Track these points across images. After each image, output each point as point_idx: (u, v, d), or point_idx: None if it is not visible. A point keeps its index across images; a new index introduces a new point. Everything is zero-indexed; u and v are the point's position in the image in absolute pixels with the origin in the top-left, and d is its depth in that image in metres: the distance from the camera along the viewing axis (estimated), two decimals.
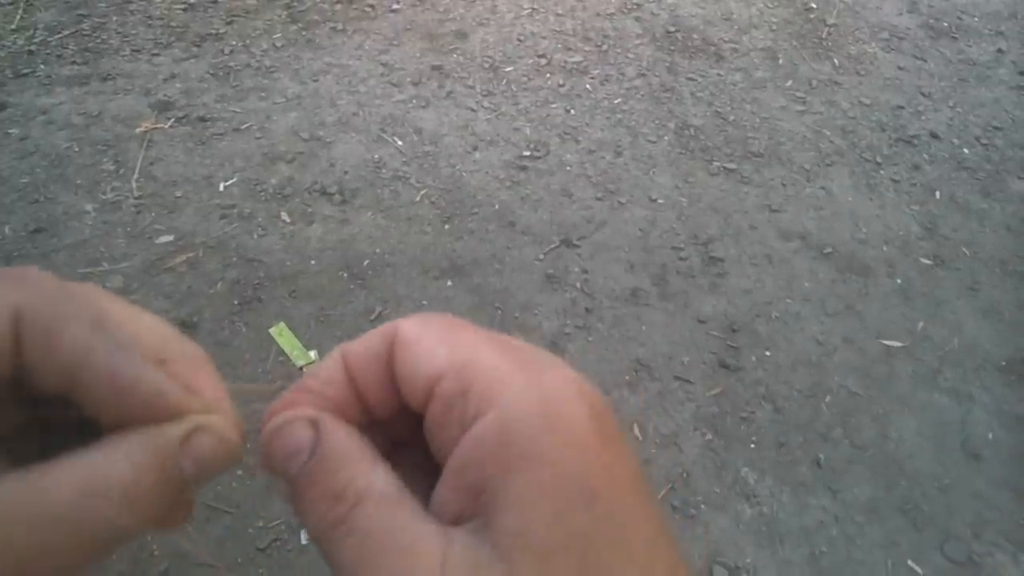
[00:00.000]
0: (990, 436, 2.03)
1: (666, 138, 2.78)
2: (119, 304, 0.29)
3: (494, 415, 0.25)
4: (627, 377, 2.03)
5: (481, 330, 0.29)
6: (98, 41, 2.85)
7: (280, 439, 0.27)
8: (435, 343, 0.28)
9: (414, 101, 2.77)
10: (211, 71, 2.79)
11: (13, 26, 2.86)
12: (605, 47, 3.15)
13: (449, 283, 2.20)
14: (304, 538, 1.65)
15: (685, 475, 1.86)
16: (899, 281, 2.40)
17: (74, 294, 0.28)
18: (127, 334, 0.27)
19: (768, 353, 2.14)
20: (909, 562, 1.76)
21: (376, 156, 2.55)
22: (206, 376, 0.29)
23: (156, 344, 0.29)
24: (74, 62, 2.75)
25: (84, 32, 2.89)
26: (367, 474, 0.26)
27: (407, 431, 0.31)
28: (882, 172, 2.78)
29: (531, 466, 0.24)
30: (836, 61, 3.27)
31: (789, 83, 3.12)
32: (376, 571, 0.24)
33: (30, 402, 0.28)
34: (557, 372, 0.27)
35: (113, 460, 0.25)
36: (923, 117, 3.05)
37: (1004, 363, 2.21)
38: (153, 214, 2.28)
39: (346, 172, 2.48)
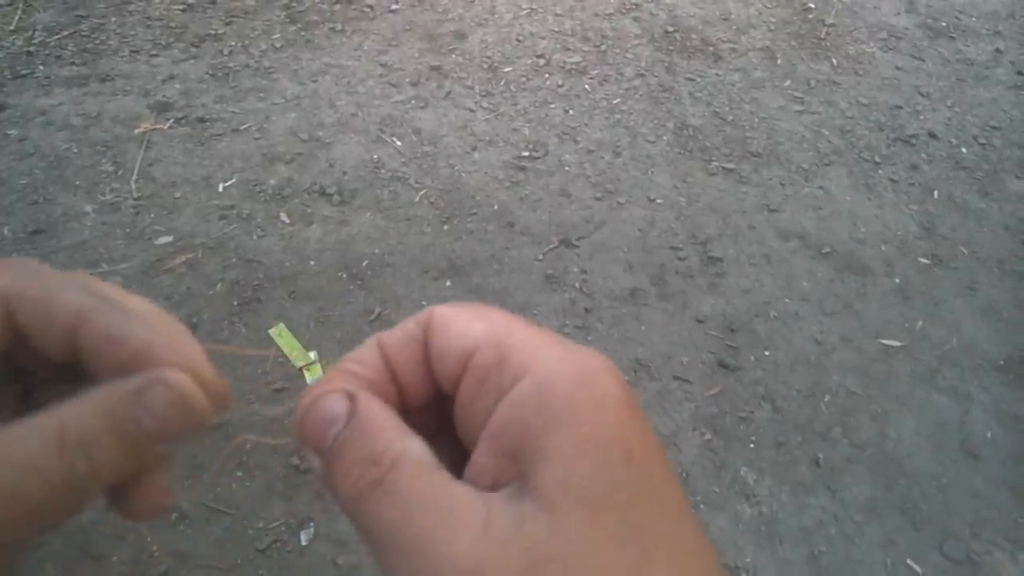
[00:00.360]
0: (989, 435, 2.04)
1: (665, 138, 2.78)
2: (102, 282, 0.31)
3: (532, 378, 0.26)
4: (626, 377, 2.03)
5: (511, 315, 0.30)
6: (97, 42, 2.85)
7: (315, 411, 0.27)
8: (470, 320, 0.29)
9: (413, 101, 2.78)
10: (210, 72, 2.79)
11: (12, 27, 2.86)
12: (604, 47, 3.16)
13: (448, 283, 2.20)
14: (304, 539, 1.65)
15: (684, 475, 1.86)
16: (897, 280, 2.41)
17: (59, 273, 0.29)
18: (116, 296, 0.29)
19: (767, 353, 2.15)
20: (908, 561, 1.76)
21: (375, 156, 2.55)
22: (186, 338, 0.30)
23: (142, 310, 0.30)
24: (73, 63, 2.75)
25: (83, 33, 2.89)
26: (404, 441, 0.26)
27: (436, 423, 0.31)
28: (880, 172, 2.79)
29: (571, 423, 0.25)
30: (834, 61, 3.27)
31: (787, 83, 3.12)
32: (418, 530, 0.24)
33: (24, 381, 0.29)
34: (587, 349, 0.28)
35: (75, 412, 0.26)
36: (921, 117, 3.06)
37: (1002, 362, 2.22)
38: (152, 215, 2.28)
39: (345, 173, 2.48)
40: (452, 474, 0.27)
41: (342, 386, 0.28)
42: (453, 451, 0.30)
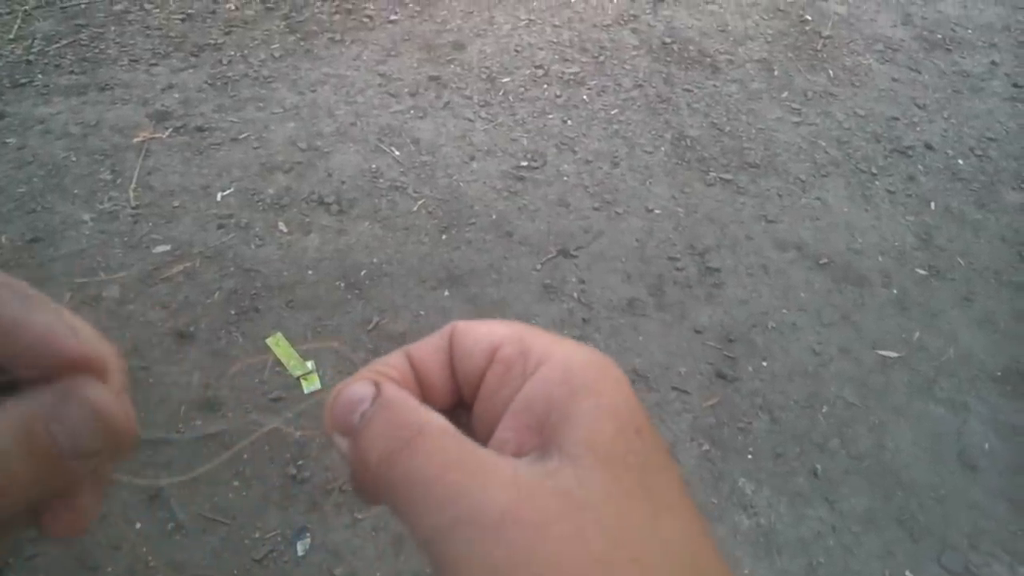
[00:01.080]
0: (986, 446, 2.04)
1: (663, 149, 2.79)
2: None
3: (556, 359, 0.29)
4: None
5: None
6: (96, 51, 2.86)
7: (342, 396, 0.29)
8: (492, 325, 0.32)
9: (412, 111, 2.78)
10: (209, 81, 2.80)
11: (11, 36, 2.86)
12: (602, 58, 3.17)
13: (446, 293, 2.20)
14: (300, 549, 1.64)
15: None
16: (895, 291, 2.41)
17: None
18: (34, 294, 0.27)
19: (765, 363, 2.15)
20: (906, 573, 1.76)
21: (374, 166, 2.55)
22: (97, 342, 0.29)
23: (66, 317, 0.29)
24: (72, 72, 2.75)
25: (82, 42, 2.90)
26: (427, 413, 0.28)
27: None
28: (877, 183, 2.80)
29: (593, 394, 0.28)
30: (831, 72, 3.29)
31: (785, 94, 3.13)
32: (452, 482, 0.25)
33: None
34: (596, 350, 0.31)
35: None
36: (918, 128, 3.07)
37: (1000, 373, 2.22)
38: (150, 224, 2.28)
39: (343, 182, 2.49)
40: None
41: (367, 375, 0.30)
42: None
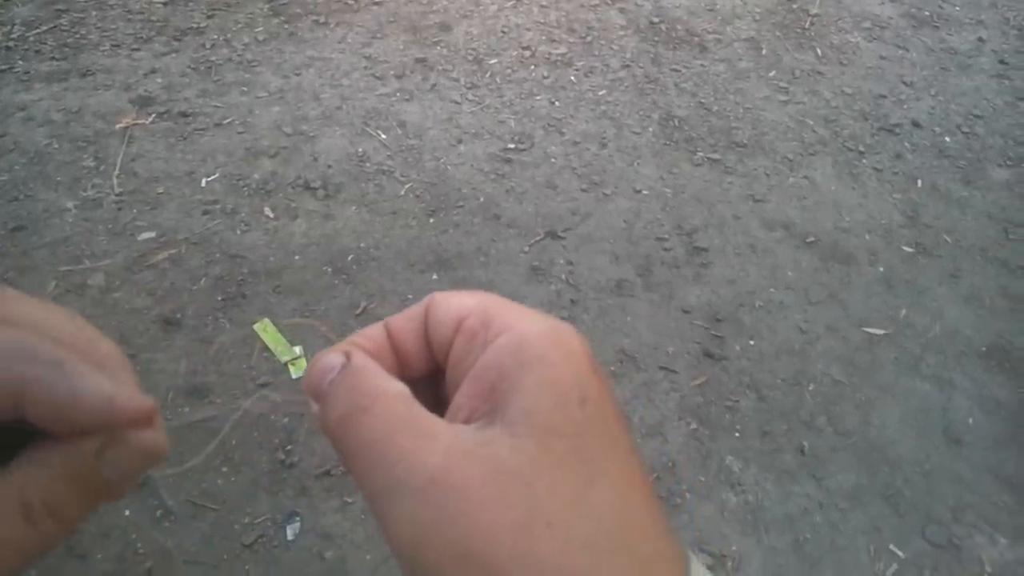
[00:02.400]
0: (971, 422, 2.06)
1: (650, 129, 2.78)
2: (33, 306, 0.30)
3: (513, 331, 0.30)
4: (612, 368, 2.04)
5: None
6: (77, 36, 2.82)
7: (316, 364, 0.31)
8: (463, 296, 0.33)
9: (398, 94, 2.76)
10: (192, 66, 2.77)
11: None
12: (589, 38, 3.15)
13: (434, 276, 2.20)
14: (290, 534, 1.65)
15: (671, 464, 1.87)
16: (881, 269, 2.42)
17: None
18: (57, 347, 0.27)
19: (752, 342, 2.16)
20: (891, 546, 1.78)
21: (360, 150, 2.54)
22: (130, 377, 0.30)
23: (85, 347, 0.29)
24: (53, 58, 2.72)
25: (63, 27, 2.86)
26: (387, 381, 0.30)
27: (436, 404, 0.34)
28: (864, 161, 2.80)
29: (541, 366, 0.29)
30: (819, 51, 3.28)
31: (772, 73, 3.12)
32: (396, 446, 0.27)
33: None
34: (559, 320, 0.33)
35: (35, 479, 0.27)
36: (905, 106, 3.07)
37: (985, 349, 2.24)
38: (135, 211, 2.26)
39: (330, 166, 2.47)
40: None
41: (341, 346, 0.32)
42: None
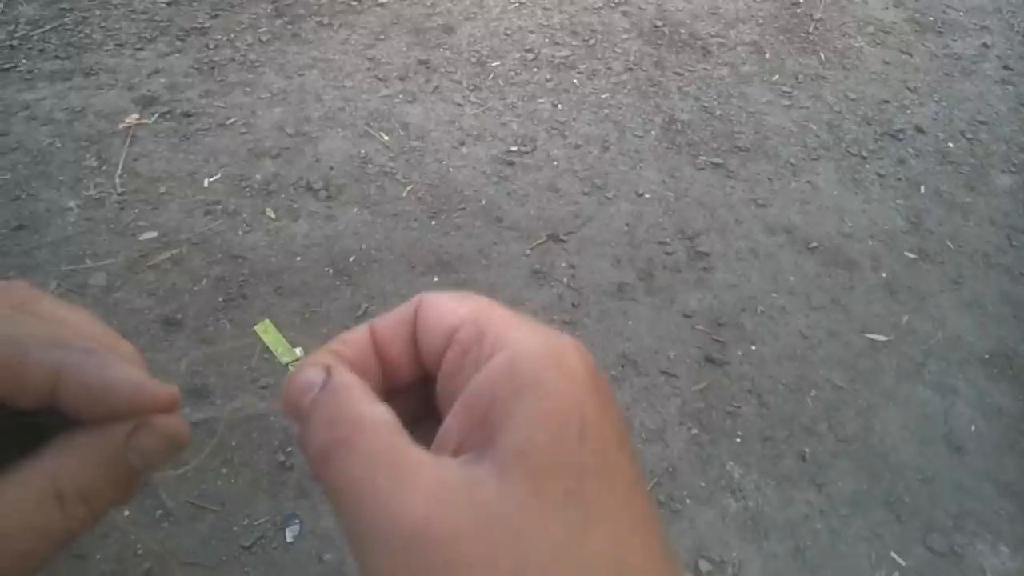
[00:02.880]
0: (973, 428, 2.05)
1: (653, 133, 2.78)
2: (59, 304, 0.32)
3: (506, 352, 0.28)
4: (613, 372, 2.04)
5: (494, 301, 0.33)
6: (81, 36, 2.83)
7: (295, 379, 0.29)
8: (455, 302, 0.31)
9: (400, 96, 2.76)
10: (195, 66, 2.77)
11: None
12: (592, 42, 3.15)
13: (435, 279, 2.20)
14: (290, 536, 1.64)
15: (671, 470, 1.87)
16: (884, 275, 2.42)
17: (22, 323, 0.30)
18: (87, 344, 0.29)
19: (753, 347, 2.15)
20: (892, 554, 1.77)
21: (362, 151, 2.54)
22: (147, 373, 0.31)
23: (110, 343, 0.31)
24: (56, 57, 2.72)
25: (67, 26, 2.86)
26: (372, 406, 0.28)
27: (422, 408, 0.33)
28: (867, 166, 2.80)
29: (536, 394, 0.26)
30: (822, 55, 3.28)
31: (775, 78, 3.12)
32: (376, 487, 0.25)
33: None
34: (558, 332, 0.30)
35: (67, 466, 0.27)
36: (908, 111, 3.07)
37: (987, 356, 2.23)
38: (137, 211, 2.26)
39: (332, 168, 2.47)
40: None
41: (321, 360, 0.30)
42: (434, 435, 0.32)
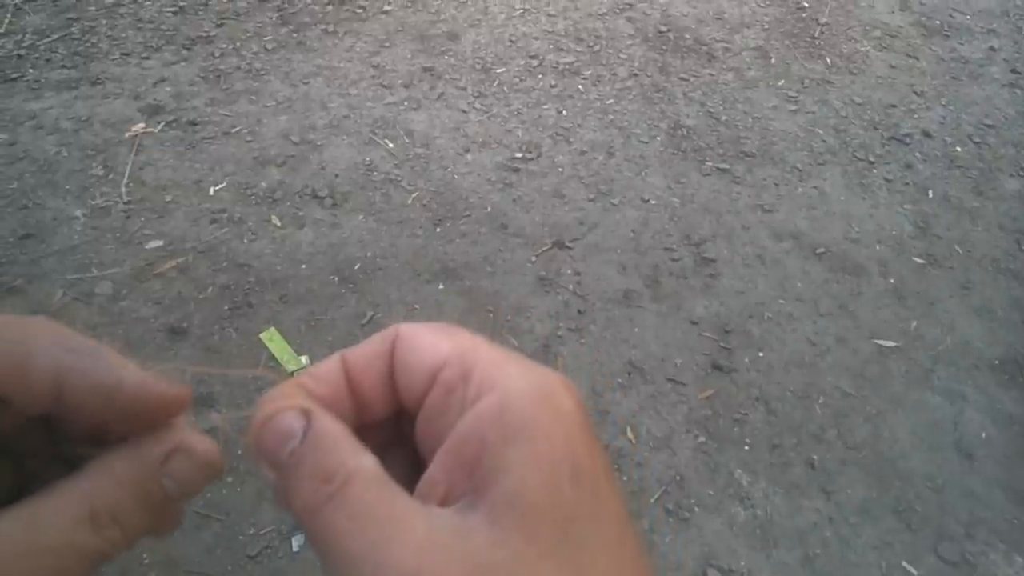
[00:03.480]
0: (983, 435, 2.03)
1: (658, 138, 2.77)
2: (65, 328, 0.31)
3: (494, 394, 0.27)
4: (620, 379, 2.03)
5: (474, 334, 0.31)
6: (87, 45, 2.84)
7: (272, 426, 0.28)
8: (436, 338, 0.30)
9: (405, 103, 2.76)
10: (201, 74, 2.78)
11: (2, 30, 2.84)
12: (597, 47, 3.15)
13: (441, 286, 2.19)
14: (295, 545, 1.64)
15: (678, 478, 1.85)
16: (892, 280, 2.40)
17: (27, 327, 0.29)
18: (92, 347, 0.29)
19: (761, 354, 2.14)
20: (903, 563, 1.75)
21: (367, 159, 2.54)
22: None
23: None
24: (63, 66, 2.73)
25: (73, 36, 2.87)
26: (356, 458, 0.27)
27: (392, 436, 0.32)
28: (875, 171, 2.78)
29: (527, 438, 0.26)
30: (828, 60, 3.26)
31: (781, 82, 3.11)
32: (365, 540, 0.25)
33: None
34: (546, 368, 0.29)
35: (102, 487, 0.27)
36: (915, 115, 3.05)
37: (997, 362, 2.21)
38: (143, 219, 2.26)
39: (337, 175, 2.47)
40: (405, 487, 0.28)
41: (297, 402, 0.29)
42: (406, 464, 0.31)
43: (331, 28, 3.05)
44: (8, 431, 0.29)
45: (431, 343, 0.29)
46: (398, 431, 0.32)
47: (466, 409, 0.27)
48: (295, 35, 3.00)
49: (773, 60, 3.22)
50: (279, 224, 2.30)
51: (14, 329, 0.28)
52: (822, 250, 2.46)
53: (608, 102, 2.89)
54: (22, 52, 2.76)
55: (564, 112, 2.82)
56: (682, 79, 3.05)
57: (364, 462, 0.27)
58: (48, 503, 0.26)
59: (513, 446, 0.26)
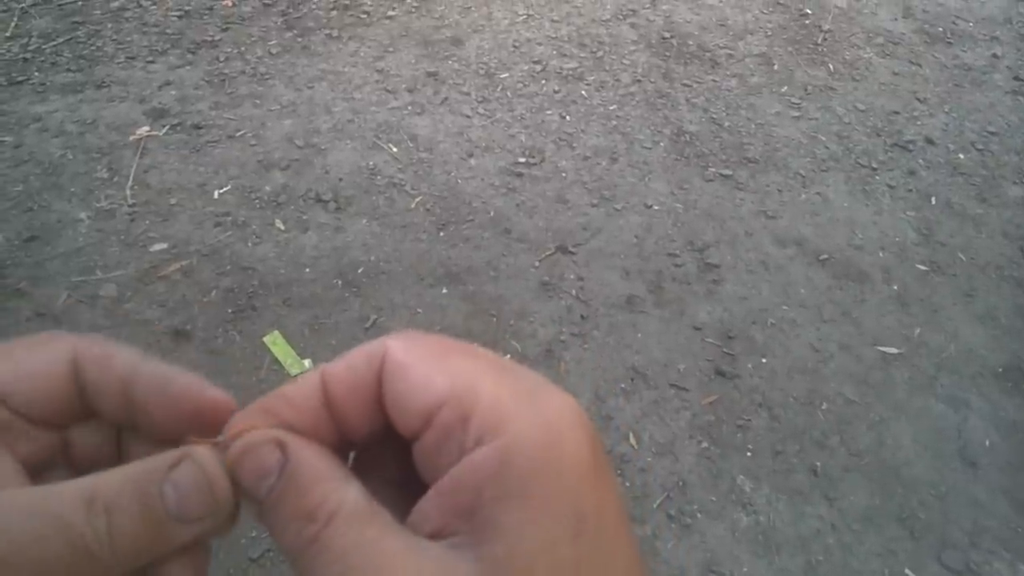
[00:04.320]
0: (987, 443, 2.03)
1: (662, 144, 2.78)
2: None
3: (496, 444, 0.25)
4: (623, 385, 2.03)
5: (471, 349, 0.29)
6: (93, 48, 2.85)
7: (248, 461, 0.27)
8: (431, 370, 0.27)
9: (409, 108, 2.77)
10: (206, 78, 2.79)
11: (8, 33, 2.85)
12: (600, 53, 3.15)
13: (444, 291, 2.19)
14: None
15: (681, 484, 1.85)
16: (895, 287, 2.40)
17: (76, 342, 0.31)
18: (134, 350, 0.31)
19: (764, 360, 2.14)
20: (906, 571, 1.75)
21: (371, 163, 2.54)
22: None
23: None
24: (69, 69, 2.74)
25: (79, 39, 2.88)
26: (338, 492, 0.26)
27: (380, 448, 0.31)
28: (878, 178, 2.78)
29: (526, 496, 0.25)
30: (831, 67, 3.27)
31: (784, 89, 3.12)
32: None
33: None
34: (555, 398, 0.27)
35: (109, 478, 0.27)
36: (919, 122, 3.06)
37: (1001, 369, 2.21)
38: (147, 222, 2.27)
39: (341, 179, 2.48)
40: (392, 497, 0.27)
41: (271, 433, 0.27)
42: (396, 470, 0.30)
43: (335, 33, 3.06)
44: (102, 446, 0.31)
45: (425, 379, 0.27)
46: (384, 443, 0.30)
47: (464, 454, 0.26)
48: (299, 40, 3.01)
49: (776, 67, 3.23)
50: (283, 228, 2.31)
51: (93, 338, 0.31)
52: (825, 256, 2.45)
53: (611, 108, 2.90)
54: (28, 55, 2.78)
55: (567, 117, 2.83)
56: (685, 85, 3.06)
57: (347, 495, 0.26)
58: (66, 483, 0.27)
59: (511, 504, 0.25)
